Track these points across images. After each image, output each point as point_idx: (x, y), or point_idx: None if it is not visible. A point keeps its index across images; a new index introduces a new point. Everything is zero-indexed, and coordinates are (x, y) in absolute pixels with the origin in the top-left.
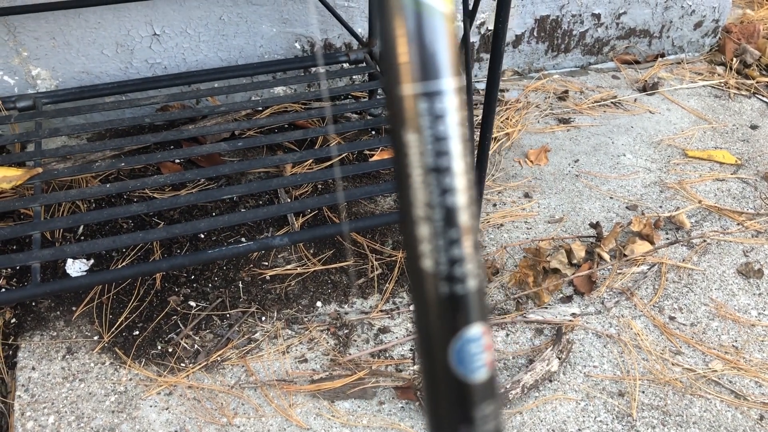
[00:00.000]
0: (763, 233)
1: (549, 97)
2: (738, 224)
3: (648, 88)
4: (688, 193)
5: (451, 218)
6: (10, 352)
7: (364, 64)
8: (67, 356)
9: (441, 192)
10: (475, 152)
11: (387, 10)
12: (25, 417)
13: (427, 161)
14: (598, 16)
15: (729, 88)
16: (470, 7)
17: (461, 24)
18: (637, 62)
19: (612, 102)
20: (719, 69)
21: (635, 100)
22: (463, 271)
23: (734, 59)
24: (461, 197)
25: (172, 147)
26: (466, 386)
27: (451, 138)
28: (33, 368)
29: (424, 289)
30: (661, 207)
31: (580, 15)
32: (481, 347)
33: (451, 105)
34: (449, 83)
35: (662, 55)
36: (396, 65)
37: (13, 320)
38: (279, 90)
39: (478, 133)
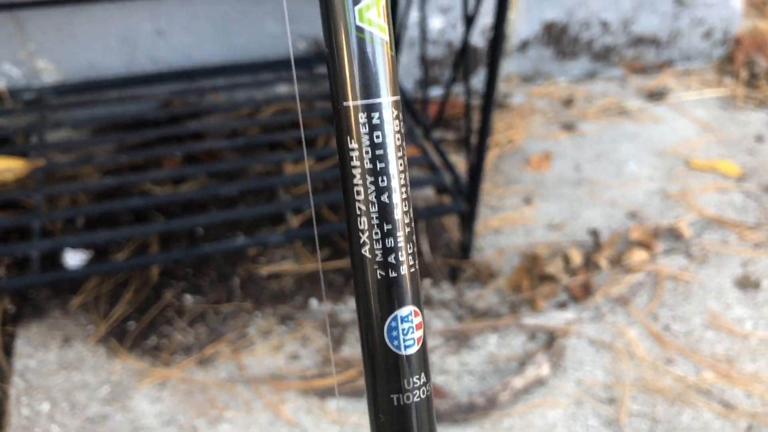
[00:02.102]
0: (762, 245)
1: (554, 103)
2: (738, 236)
3: (655, 96)
4: (690, 203)
5: (385, 213)
6: (8, 340)
7: None
8: (63, 345)
9: (377, 190)
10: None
11: (334, 36)
12: (21, 403)
13: (365, 164)
14: (606, 23)
15: (736, 99)
16: (470, 13)
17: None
18: (645, 70)
19: (618, 110)
20: (727, 79)
21: (641, 108)
22: (396, 259)
23: (743, 70)
24: (395, 196)
25: (173, 142)
26: (399, 358)
27: (387, 145)
28: (30, 356)
29: (364, 273)
30: (661, 216)
31: (588, 21)
32: (412, 326)
33: (387, 118)
34: (386, 100)
35: (670, 64)
36: (341, 83)
37: (12, 308)
38: (281, 89)
39: (477, 137)
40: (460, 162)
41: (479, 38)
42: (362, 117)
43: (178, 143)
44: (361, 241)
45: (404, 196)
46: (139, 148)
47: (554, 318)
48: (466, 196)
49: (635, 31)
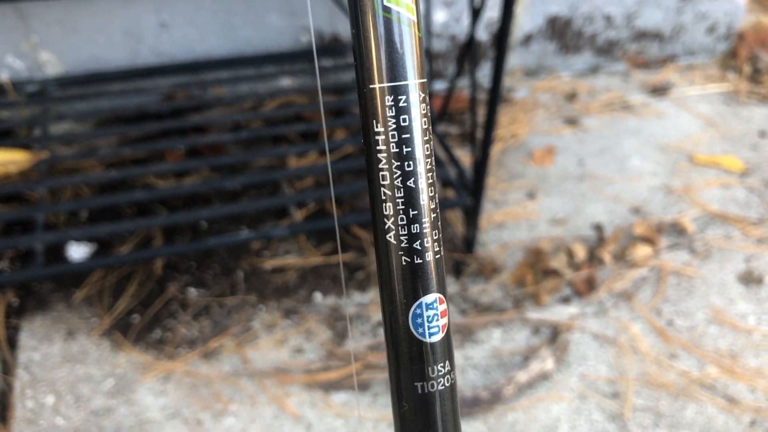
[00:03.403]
0: (765, 241)
1: (557, 97)
2: (741, 231)
3: (658, 91)
4: (693, 199)
5: (411, 199)
6: (13, 333)
7: None
8: (67, 338)
9: (402, 175)
10: (477, 150)
11: (361, 17)
12: (26, 396)
13: (391, 148)
14: (610, 17)
15: (739, 94)
16: (477, 6)
17: (450, 21)
18: (648, 65)
19: (621, 104)
20: (730, 75)
21: (644, 103)
22: (421, 245)
23: (746, 65)
24: (421, 181)
25: (176, 135)
26: (423, 346)
27: (414, 129)
28: (34, 349)
29: (389, 260)
30: (665, 211)
31: (592, 15)
32: (437, 313)
33: (414, 100)
34: (413, 82)
35: (673, 59)
36: (367, 65)
37: (16, 301)
38: (285, 82)
39: (482, 131)
40: (464, 156)
41: (483, 32)
42: (389, 100)
43: (181, 136)
44: (386, 226)
45: (430, 181)
46: (142, 141)
47: (558, 313)
48: (471, 190)
49: (638, 25)
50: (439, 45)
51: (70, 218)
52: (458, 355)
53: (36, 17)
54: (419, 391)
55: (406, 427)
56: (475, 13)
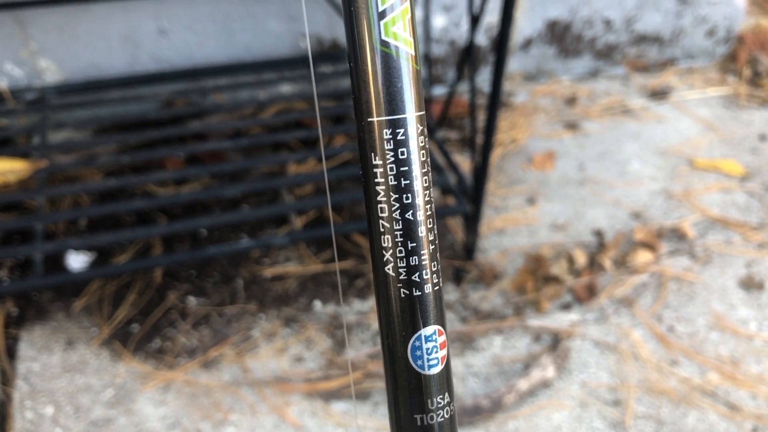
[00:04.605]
0: (766, 246)
1: (557, 101)
2: (741, 236)
3: (657, 95)
4: (694, 203)
5: (409, 231)
6: (12, 343)
7: None
8: (66, 348)
9: (401, 208)
10: (477, 156)
11: (359, 51)
12: (25, 407)
13: (389, 181)
14: (609, 21)
15: (739, 97)
16: (476, 11)
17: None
18: (648, 69)
19: (621, 108)
20: (730, 78)
21: (644, 107)
22: (420, 277)
23: (746, 68)
24: (420, 213)
25: (176, 143)
26: (423, 378)
27: (412, 162)
28: (33, 359)
29: (388, 292)
30: (665, 216)
31: (592, 19)
32: (436, 345)
33: (412, 133)
34: (411, 115)
35: (673, 62)
36: (366, 99)
37: (16, 311)
38: (285, 88)
39: (482, 137)
40: (463, 162)
41: (482, 37)
42: (387, 133)
43: (180, 144)
44: (385, 259)
45: (429, 213)
46: (141, 149)
47: (559, 319)
48: (471, 196)
49: (638, 29)
50: (438, 50)
51: (69, 227)
52: (459, 363)
53: (35, 24)
54: (418, 423)
55: None
56: (475, 18)
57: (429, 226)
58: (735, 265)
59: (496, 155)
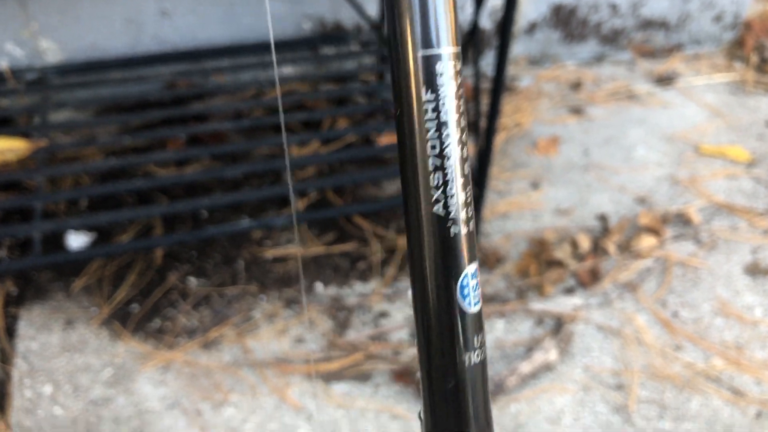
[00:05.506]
0: None
1: (562, 86)
2: (747, 222)
3: (663, 80)
4: (699, 189)
5: (459, 168)
6: (11, 322)
7: (374, 47)
8: (66, 328)
9: (450, 144)
10: (481, 139)
11: None
12: (24, 385)
13: (440, 116)
14: (615, 6)
15: (746, 83)
16: None
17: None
18: (654, 54)
19: (626, 94)
20: (737, 64)
21: (650, 92)
22: (466, 214)
23: (753, 55)
24: (464, 151)
25: (177, 124)
26: (468, 317)
27: (461, 97)
28: (32, 338)
29: (436, 231)
30: (670, 202)
31: (597, 3)
32: (477, 282)
33: (453, 68)
34: (450, 50)
35: (679, 48)
36: (403, 33)
37: (15, 291)
38: (287, 70)
39: (485, 121)
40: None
41: (486, 20)
42: (439, 66)
43: (182, 125)
44: (434, 198)
45: (467, 151)
46: (142, 130)
47: (562, 304)
48: (475, 180)
49: (644, 14)
50: None
51: (69, 207)
52: None
53: (36, 4)
54: (467, 364)
55: (452, 405)
56: (479, 1)
57: (467, 165)
58: (741, 251)
59: (499, 139)
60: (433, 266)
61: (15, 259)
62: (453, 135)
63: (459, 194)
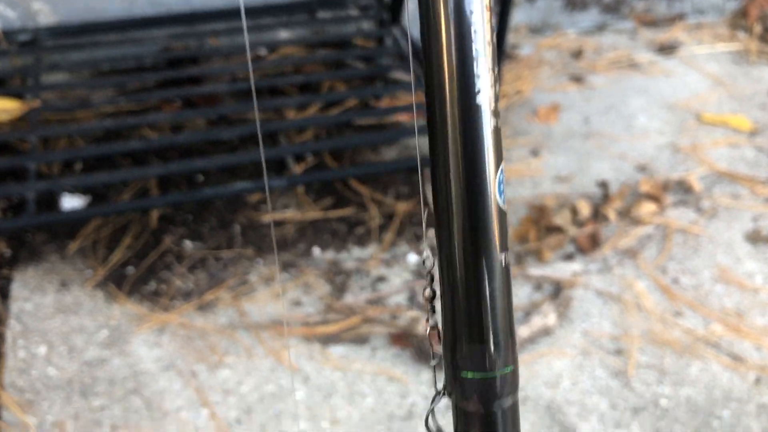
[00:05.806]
0: None
1: (563, 54)
2: (749, 190)
3: (665, 49)
4: (701, 157)
5: (498, 56)
6: (4, 283)
7: (373, 11)
8: (60, 289)
9: (490, 31)
10: None
11: None
12: (17, 346)
13: (483, 11)
14: None
15: (749, 53)
16: None
17: None
18: (656, 23)
19: (628, 62)
20: (740, 34)
21: (652, 61)
22: (497, 106)
23: (756, 24)
24: (492, 46)
25: (172, 86)
26: (503, 215)
27: None
28: (26, 299)
29: (478, 125)
30: (671, 169)
31: None
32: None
33: None
34: None
35: (682, 17)
36: None
37: (8, 252)
38: (283, 34)
39: None
40: None
41: None
42: None
43: (177, 88)
44: (476, 88)
45: (495, 38)
46: (137, 92)
47: (561, 269)
48: None
49: None
50: None
51: (63, 169)
52: None
53: None
54: (503, 264)
55: (489, 304)
56: None
57: (495, 56)
58: (742, 219)
59: (500, 107)
60: (473, 163)
61: (8, 219)
62: (491, 27)
63: (496, 85)
